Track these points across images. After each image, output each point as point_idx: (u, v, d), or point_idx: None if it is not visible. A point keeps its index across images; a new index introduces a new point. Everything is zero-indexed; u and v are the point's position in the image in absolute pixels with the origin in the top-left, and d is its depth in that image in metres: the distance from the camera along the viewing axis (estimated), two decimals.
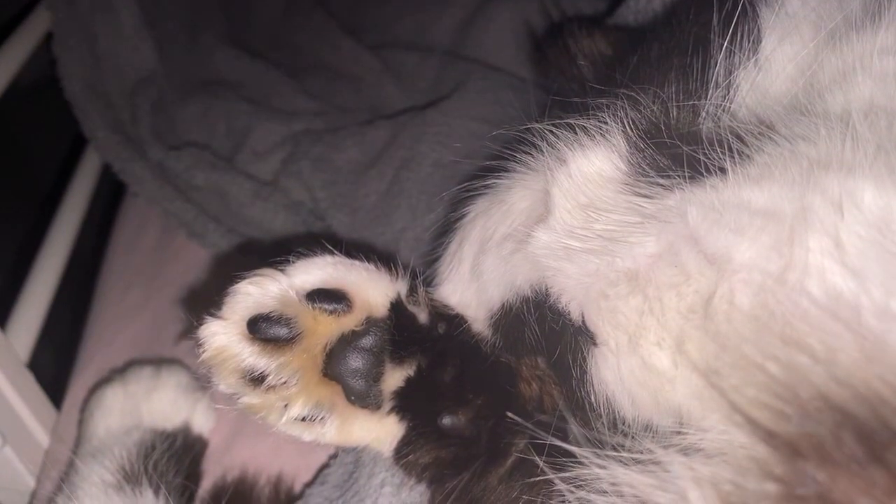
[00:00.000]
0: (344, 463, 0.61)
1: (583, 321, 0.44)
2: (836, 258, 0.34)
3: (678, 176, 0.42)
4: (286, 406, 0.48)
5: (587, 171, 0.46)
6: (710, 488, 0.31)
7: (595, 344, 0.43)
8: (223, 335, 0.47)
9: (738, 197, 0.38)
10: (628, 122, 0.46)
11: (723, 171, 0.40)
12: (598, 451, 0.41)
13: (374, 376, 0.49)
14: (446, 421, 0.50)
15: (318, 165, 0.95)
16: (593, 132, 0.47)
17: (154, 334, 0.82)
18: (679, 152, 0.44)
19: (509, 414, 0.49)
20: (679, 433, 0.40)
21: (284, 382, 0.47)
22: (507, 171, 0.55)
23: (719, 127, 0.44)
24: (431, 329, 0.51)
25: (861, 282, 0.33)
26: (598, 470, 0.40)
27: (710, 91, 0.48)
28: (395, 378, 0.49)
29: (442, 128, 0.95)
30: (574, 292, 0.44)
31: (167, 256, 0.93)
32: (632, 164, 0.45)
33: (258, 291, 0.48)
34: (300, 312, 0.47)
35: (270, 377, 0.46)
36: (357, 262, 0.51)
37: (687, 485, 0.32)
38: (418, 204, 0.87)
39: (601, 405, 0.43)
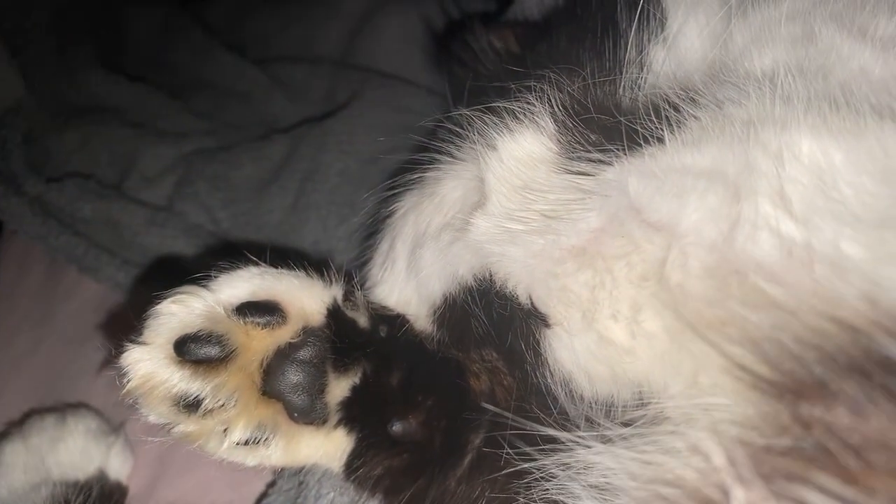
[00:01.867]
0: (284, 490, 0.58)
1: (532, 304, 0.43)
2: (783, 209, 0.35)
3: (613, 149, 0.42)
4: (226, 431, 0.44)
5: (518, 154, 0.46)
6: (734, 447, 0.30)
7: (548, 325, 0.42)
8: (148, 361, 0.43)
9: (678, 162, 0.38)
10: (553, 102, 0.45)
11: (658, 139, 0.40)
12: (573, 433, 0.40)
13: (318, 389, 0.46)
14: (397, 427, 0.48)
15: (216, 185, 0.91)
16: (520, 115, 0.46)
17: (52, 379, 0.75)
18: (609, 126, 0.44)
19: (464, 413, 0.47)
20: (643, 404, 0.39)
21: (222, 405, 0.43)
22: (432, 163, 0.53)
23: (641, 99, 0.44)
24: (373, 333, 0.48)
25: (809, 228, 0.34)
26: (582, 452, 0.39)
27: (624, 69, 0.49)
28: (339, 388, 0.46)
29: (343, 136, 0.93)
30: (520, 275, 0.43)
31: (57, 295, 0.85)
32: (562, 143, 0.45)
33: (182, 310, 0.44)
34: (231, 329, 0.44)
35: (206, 401, 0.43)
36: (285, 271, 0.48)
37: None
38: (328, 215, 0.84)
39: (560, 387, 0.42)
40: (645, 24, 0.50)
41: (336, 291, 0.48)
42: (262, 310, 0.45)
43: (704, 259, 0.36)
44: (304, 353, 0.46)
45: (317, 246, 0.83)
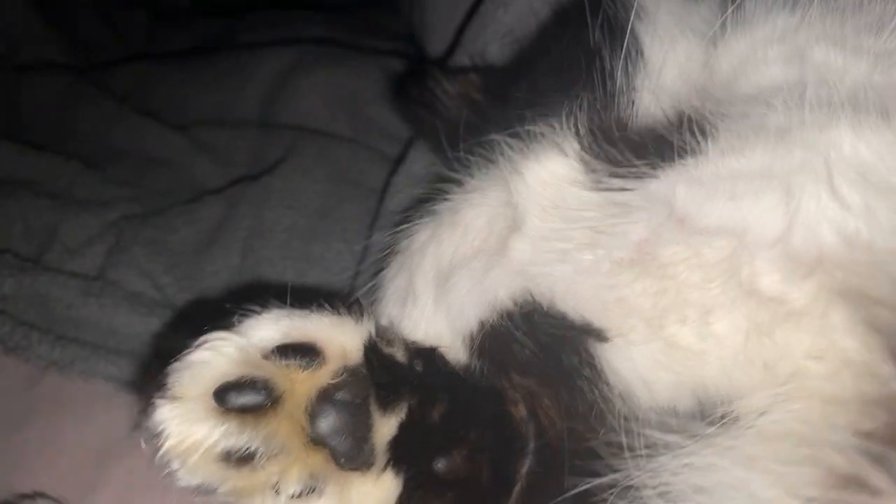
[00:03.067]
0: None
1: (585, 320, 0.43)
2: (837, 200, 0.37)
3: (647, 163, 0.44)
4: (276, 484, 0.40)
5: (545, 176, 0.47)
6: None
7: (604, 339, 0.42)
8: (186, 416, 0.39)
9: (724, 168, 0.40)
10: (573, 125, 0.46)
11: (693, 151, 0.42)
12: (634, 446, 0.40)
13: (364, 430, 0.43)
14: (441, 465, 0.46)
15: (154, 250, 0.86)
16: (544, 138, 0.47)
17: None
18: (636, 142, 0.45)
19: (507, 441, 0.46)
20: (709, 409, 0.40)
21: (274, 456, 0.40)
22: (437, 198, 0.53)
23: (661, 116, 0.47)
24: (411, 367, 0.47)
25: (865, 216, 0.36)
26: (645, 463, 0.39)
27: (622, 95, 0.51)
28: (386, 427, 0.44)
29: (286, 193, 0.91)
30: (570, 293, 0.43)
31: None
32: (588, 162, 0.46)
33: (216, 357, 0.41)
34: (273, 373, 0.41)
35: (260, 453, 0.39)
36: (312, 311, 0.46)
37: None
38: (285, 271, 0.81)
39: (619, 399, 0.42)
40: (629, 57, 0.53)
41: (369, 327, 0.46)
42: (299, 351, 0.43)
43: (770, 255, 0.37)
44: (347, 394, 0.43)
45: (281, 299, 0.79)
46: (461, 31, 0.88)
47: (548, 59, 0.61)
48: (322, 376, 0.43)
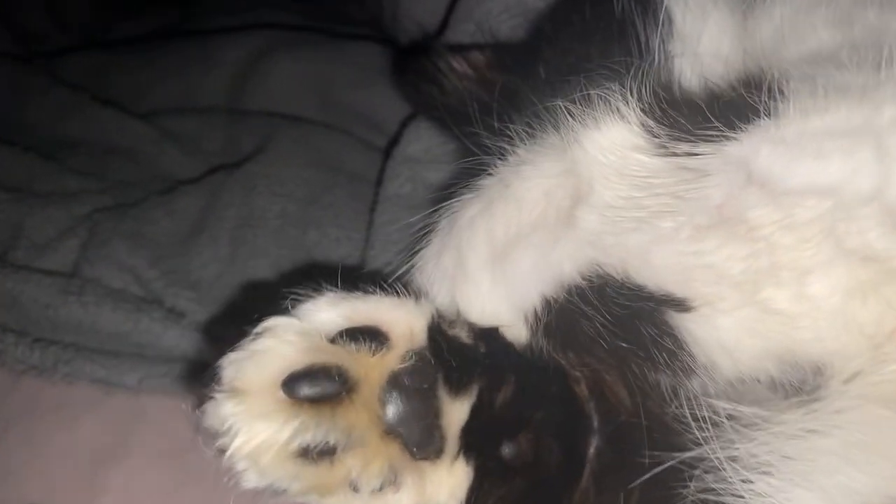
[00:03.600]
0: None
1: (665, 290, 0.41)
2: None
3: (717, 126, 0.42)
4: (354, 479, 0.37)
5: (607, 143, 0.45)
6: None
7: (686, 309, 0.40)
8: (253, 411, 0.36)
9: (808, 127, 0.39)
10: (635, 89, 0.45)
11: (767, 113, 0.41)
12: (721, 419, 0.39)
13: (434, 417, 0.41)
14: (508, 450, 0.43)
15: (136, 243, 0.81)
16: (598, 105, 0.45)
17: None
18: (701, 106, 0.44)
19: (574, 423, 0.44)
20: (802, 377, 0.39)
21: (352, 449, 0.37)
22: (482, 171, 0.51)
23: (724, 81, 0.45)
24: (476, 349, 0.44)
25: None
26: (734, 436, 0.38)
27: (666, 64, 0.49)
28: (457, 413, 0.42)
29: (272, 179, 0.87)
30: (648, 263, 0.41)
31: None
32: (651, 127, 0.44)
33: (280, 345, 0.38)
34: (344, 359, 0.38)
35: (340, 446, 0.36)
36: (368, 293, 0.43)
37: None
38: (280, 259, 0.77)
39: (701, 371, 0.41)
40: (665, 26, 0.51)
41: (430, 308, 0.43)
42: (365, 335, 0.40)
43: (866, 211, 0.36)
44: (415, 379, 0.41)
45: (277, 294, 0.75)
46: (450, 10, 0.85)
47: (572, 29, 0.58)
48: (390, 361, 0.40)
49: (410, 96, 0.78)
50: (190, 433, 0.70)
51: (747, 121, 0.42)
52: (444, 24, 0.86)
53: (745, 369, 0.41)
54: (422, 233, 0.52)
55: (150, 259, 0.79)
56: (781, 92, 0.42)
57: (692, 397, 0.43)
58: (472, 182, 0.51)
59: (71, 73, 1.15)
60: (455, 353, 0.42)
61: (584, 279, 0.43)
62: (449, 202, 0.52)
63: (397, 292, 0.44)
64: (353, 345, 0.39)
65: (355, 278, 0.46)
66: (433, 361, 0.41)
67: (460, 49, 0.72)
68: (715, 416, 0.42)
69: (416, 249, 0.52)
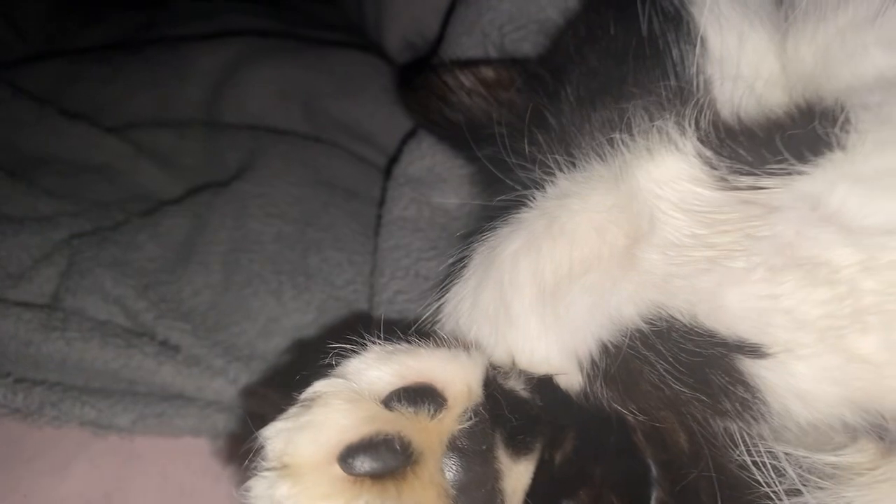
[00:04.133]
0: None
1: (738, 336, 0.38)
2: None
3: (784, 159, 0.40)
4: None
5: (665, 175, 0.42)
6: None
7: (762, 355, 0.38)
8: (311, 493, 0.32)
9: (889, 162, 0.37)
10: (691, 117, 0.42)
11: (840, 145, 0.38)
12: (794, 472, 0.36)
13: (494, 481, 0.37)
14: None
15: (121, 272, 0.75)
16: (657, 132, 0.42)
17: None
18: (762, 137, 0.41)
19: (634, 476, 0.41)
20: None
21: None
22: (517, 204, 0.47)
23: (784, 111, 0.43)
24: (534, 402, 0.41)
25: None
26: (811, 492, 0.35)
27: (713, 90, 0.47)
28: (517, 475, 0.38)
29: (264, 199, 0.83)
30: (719, 306, 0.38)
31: None
32: (712, 157, 0.41)
33: (332, 413, 0.34)
34: (404, 426, 0.34)
35: None
36: (415, 345, 0.39)
37: None
38: (281, 288, 0.73)
39: (774, 418, 0.38)
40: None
41: (484, 359, 0.40)
42: (420, 396, 0.36)
43: None
44: (475, 441, 0.37)
45: (277, 324, 0.71)
46: (446, 21, 0.82)
47: (599, 46, 0.55)
48: (449, 423, 0.36)
49: (415, 112, 0.74)
50: (189, 477, 0.66)
51: (815, 153, 0.39)
52: (441, 34, 0.82)
53: (820, 417, 0.39)
54: (450, 268, 0.49)
55: (137, 288, 0.74)
56: (848, 121, 0.39)
57: (758, 444, 0.40)
58: (507, 214, 0.48)
59: (34, 85, 1.08)
60: (514, 410, 0.39)
61: (646, 323, 0.40)
62: (481, 235, 0.48)
63: (444, 342, 0.40)
64: (410, 408, 0.35)
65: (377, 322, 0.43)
66: (491, 420, 0.38)
67: (467, 64, 0.68)
68: (782, 464, 0.40)
69: (444, 287, 0.48)
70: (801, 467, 0.41)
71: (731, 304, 0.39)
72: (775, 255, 0.38)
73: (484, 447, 0.38)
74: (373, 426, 0.34)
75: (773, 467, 0.41)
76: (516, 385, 0.41)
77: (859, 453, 0.40)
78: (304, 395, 0.35)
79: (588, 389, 0.43)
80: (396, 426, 0.34)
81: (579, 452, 0.41)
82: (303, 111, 1.06)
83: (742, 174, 0.41)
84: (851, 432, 0.39)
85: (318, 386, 0.35)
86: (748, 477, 0.41)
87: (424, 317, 0.48)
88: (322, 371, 0.38)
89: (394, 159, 0.80)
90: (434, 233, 0.70)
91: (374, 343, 0.39)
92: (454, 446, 0.37)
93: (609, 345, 0.41)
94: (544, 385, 0.42)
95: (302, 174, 0.88)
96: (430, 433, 0.36)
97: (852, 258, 0.37)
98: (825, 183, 0.38)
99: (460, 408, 0.37)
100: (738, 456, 0.41)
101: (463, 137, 0.62)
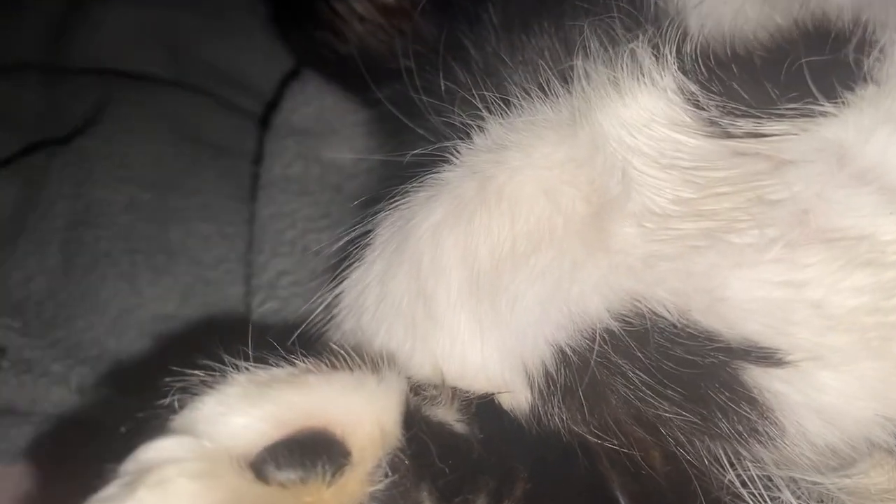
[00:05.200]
0: None
1: (747, 338, 0.28)
2: None
3: (797, 97, 0.29)
4: None
5: (636, 117, 0.31)
6: None
7: (779, 364, 0.28)
8: None
9: None
10: (673, 43, 0.31)
11: (873, 79, 0.29)
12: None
13: None
14: None
15: None
16: (626, 60, 0.31)
17: None
18: (764, 67, 0.31)
19: None
20: None
21: None
22: (440, 161, 0.35)
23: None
24: (472, 438, 0.29)
25: None
26: None
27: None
28: None
29: (114, 160, 0.67)
30: (720, 297, 0.28)
31: None
32: (699, 94, 0.31)
33: (170, 497, 0.21)
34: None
35: None
36: (301, 366, 0.27)
37: None
38: (136, 270, 0.59)
39: (787, 442, 0.29)
40: None
41: (401, 383, 0.28)
42: (310, 450, 0.24)
43: None
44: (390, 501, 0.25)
45: (131, 315, 0.57)
46: None
47: None
48: (354, 487, 0.24)
49: (298, 48, 0.60)
50: None
51: (838, 89, 0.29)
52: None
53: (845, 438, 0.29)
54: (348, 247, 0.37)
55: None
56: (879, 47, 0.29)
57: (752, 469, 0.31)
58: (423, 173, 0.36)
59: None
60: (446, 454, 0.27)
61: (618, 321, 0.30)
62: (388, 202, 0.36)
63: (343, 357, 0.28)
64: (295, 472, 0.23)
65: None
66: (415, 473, 0.26)
67: None
68: (782, 492, 0.31)
69: (340, 272, 0.36)
70: (804, 493, 0.31)
71: (735, 294, 0.28)
72: (794, 227, 0.28)
73: None
74: None
75: (771, 496, 0.31)
76: (448, 414, 0.29)
77: (875, 472, 0.31)
78: (128, 466, 0.22)
79: (540, 410, 0.32)
80: None
81: (534, 497, 0.30)
82: (167, 54, 0.90)
83: (738, 116, 0.30)
84: (872, 449, 0.30)
85: (151, 450, 0.22)
86: None
87: (314, 314, 0.35)
88: (160, 416, 0.25)
89: (273, 106, 0.67)
90: (326, 196, 0.57)
91: (237, 366, 0.26)
92: None
93: (568, 350, 0.31)
94: (485, 409, 0.31)
95: (161, 128, 0.73)
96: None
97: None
98: (856, 127, 0.28)
99: (370, 461, 0.25)
100: (728, 483, 0.32)
101: (358, 76, 0.50)
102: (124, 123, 0.72)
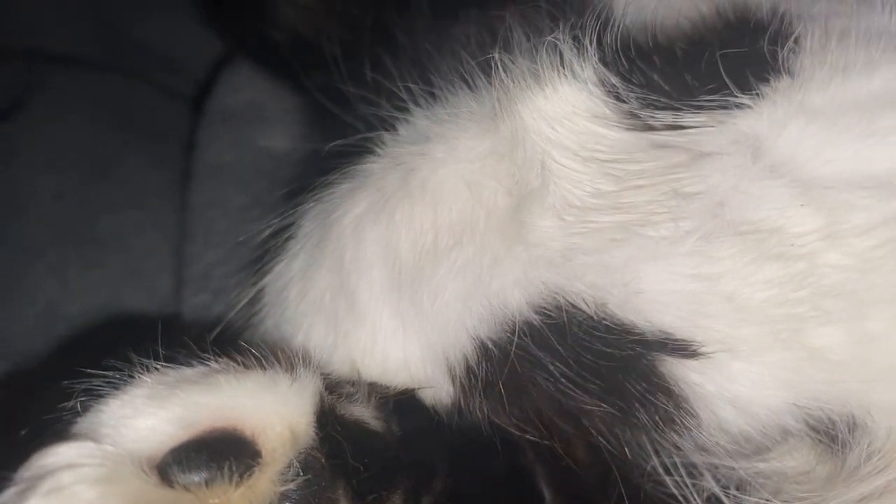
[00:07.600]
0: None
1: (662, 330, 0.28)
2: None
3: (714, 89, 0.30)
4: None
5: (556, 110, 0.31)
6: None
7: (693, 355, 0.28)
8: None
9: (852, 91, 0.27)
10: (593, 34, 0.31)
11: (787, 71, 0.29)
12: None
13: None
14: None
15: None
16: (547, 52, 0.31)
17: None
18: (684, 59, 0.31)
19: None
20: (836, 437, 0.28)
21: None
22: (362, 153, 0.35)
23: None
24: (390, 434, 0.29)
25: None
26: None
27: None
28: None
29: (41, 146, 0.65)
30: (636, 289, 0.28)
31: None
32: (620, 86, 0.31)
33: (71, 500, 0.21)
34: None
35: None
36: (212, 366, 0.27)
37: None
38: (66, 261, 0.57)
39: (703, 430, 0.29)
40: None
41: (315, 381, 0.28)
42: (218, 452, 0.24)
43: None
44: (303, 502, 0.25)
45: (60, 310, 0.55)
46: None
47: None
48: (264, 487, 0.24)
49: (228, 33, 0.59)
50: None
51: (754, 81, 0.29)
52: None
53: (758, 426, 0.30)
54: (271, 240, 0.36)
55: None
56: (794, 38, 0.30)
57: (674, 456, 0.31)
58: (347, 164, 0.35)
59: None
60: (361, 452, 0.27)
61: (538, 314, 0.30)
62: (311, 194, 0.36)
63: (257, 357, 0.28)
64: (201, 474, 0.23)
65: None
66: (329, 472, 0.26)
67: None
68: (705, 479, 0.31)
69: (262, 266, 0.36)
70: (722, 480, 0.32)
71: (651, 287, 0.29)
72: (709, 220, 0.28)
73: None
74: None
75: (693, 483, 0.32)
76: (364, 412, 0.29)
77: (790, 456, 0.31)
78: (23, 473, 0.21)
79: (462, 404, 0.31)
80: None
81: (454, 493, 0.30)
82: (95, 33, 0.87)
83: (658, 108, 0.30)
84: (786, 436, 0.30)
85: (49, 456, 0.22)
86: (663, 493, 0.32)
87: (235, 311, 0.34)
88: (64, 419, 0.24)
89: (207, 89, 0.65)
90: (260, 185, 0.56)
91: (147, 366, 0.26)
92: None
93: (489, 344, 0.30)
94: (404, 406, 0.30)
95: (90, 112, 0.70)
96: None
97: (810, 223, 0.27)
98: (770, 120, 0.28)
99: (281, 461, 0.25)
100: (651, 469, 0.32)
101: (288, 63, 0.49)
102: (51, 107, 0.69)
